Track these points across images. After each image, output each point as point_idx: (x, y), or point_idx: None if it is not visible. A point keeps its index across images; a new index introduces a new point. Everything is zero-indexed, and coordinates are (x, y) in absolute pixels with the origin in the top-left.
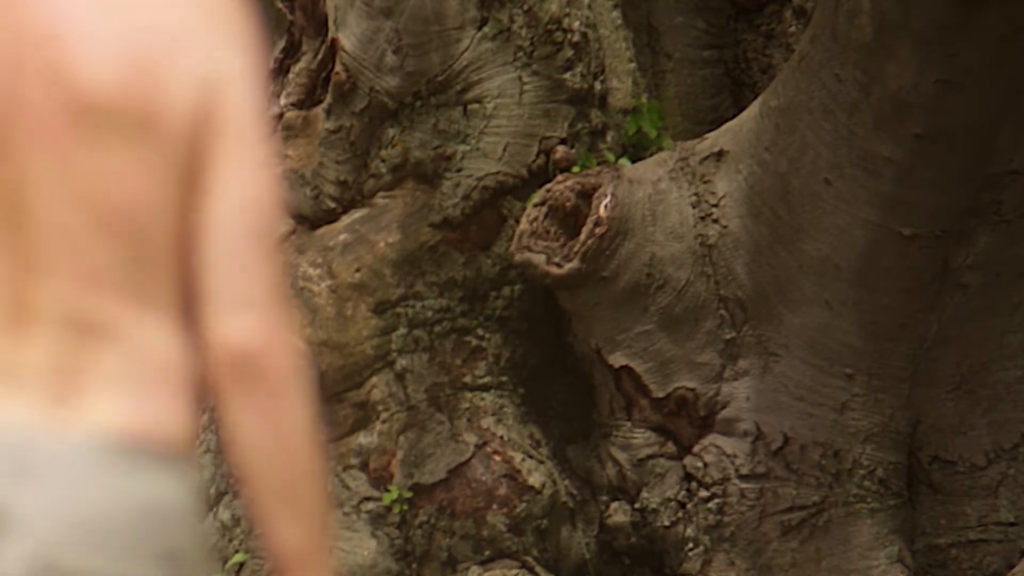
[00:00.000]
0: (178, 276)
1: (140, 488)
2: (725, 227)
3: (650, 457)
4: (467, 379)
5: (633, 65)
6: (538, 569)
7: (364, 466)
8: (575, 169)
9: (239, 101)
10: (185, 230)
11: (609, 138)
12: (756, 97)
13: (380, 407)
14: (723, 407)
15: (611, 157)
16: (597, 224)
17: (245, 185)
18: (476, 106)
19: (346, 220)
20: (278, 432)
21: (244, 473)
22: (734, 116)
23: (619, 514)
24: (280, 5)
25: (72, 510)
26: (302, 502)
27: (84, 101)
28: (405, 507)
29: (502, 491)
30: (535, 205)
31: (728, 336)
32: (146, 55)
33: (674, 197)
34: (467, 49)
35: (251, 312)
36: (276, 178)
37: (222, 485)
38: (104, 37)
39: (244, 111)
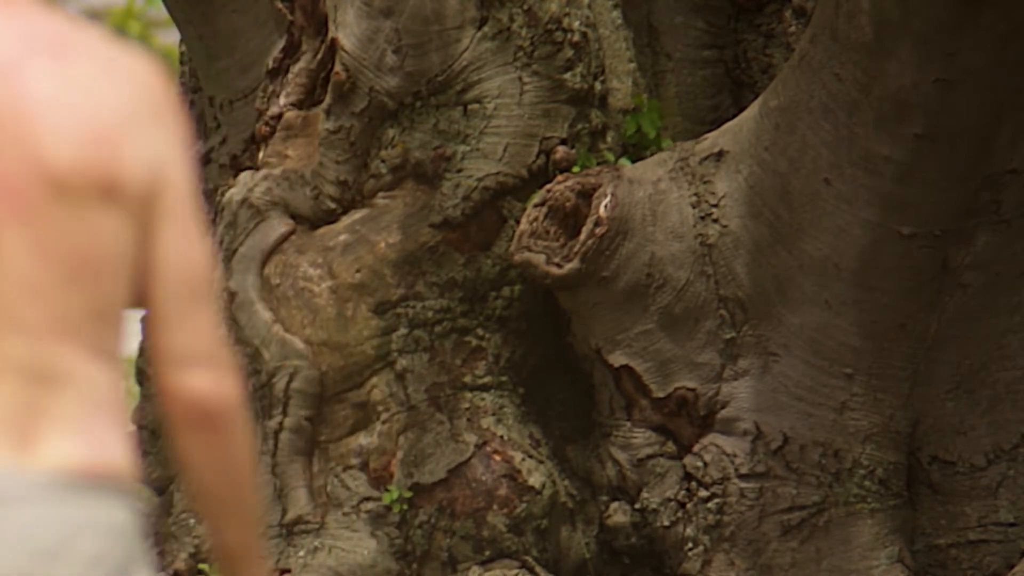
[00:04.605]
0: (123, 324)
1: (94, 516)
2: (725, 227)
3: (650, 457)
4: (467, 379)
5: (633, 65)
6: (538, 569)
7: (364, 466)
8: (575, 169)
9: (178, 179)
10: (137, 286)
11: (609, 138)
12: (756, 97)
13: (380, 407)
14: (723, 407)
15: (611, 157)
16: (597, 224)
17: (184, 252)
18: (476, 106)
19: (346, 220)
20: (225, 463)
21: (197, 493)
22: (734, 116)
23: (619, 514)
24: (280, 5)
25: (35, 539)
26: (242, 511)
27: (52, 170)
28: (405, 507)
29: (502, 491)
30: (535, 205)
31: (728, 336)
32: (104, 131)
33: (674, 197)
34: (467, 49)
35: (198, 367)
36: (209, 246)
37: None
38: (67, 114)
39: (182, 188)
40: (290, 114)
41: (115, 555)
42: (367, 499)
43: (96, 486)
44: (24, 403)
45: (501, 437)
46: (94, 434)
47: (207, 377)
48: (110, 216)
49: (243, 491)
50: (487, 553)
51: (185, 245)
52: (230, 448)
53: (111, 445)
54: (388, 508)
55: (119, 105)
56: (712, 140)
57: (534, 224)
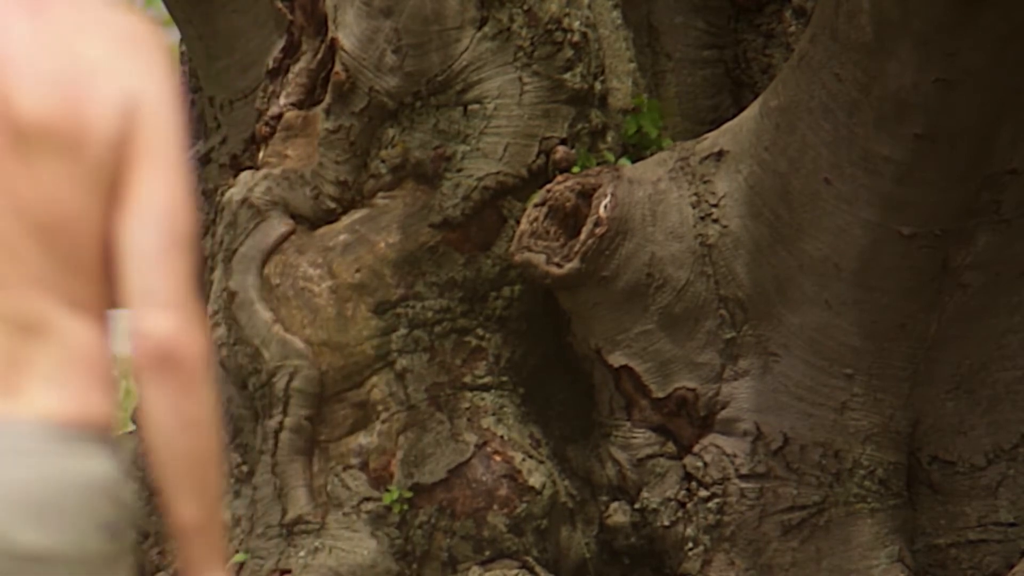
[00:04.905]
0: (103, 278)
1: (77, 467)
2: (725, 227)
3: (650, 457)
4: (467, 379)
5: (633, 65)
6: (538, 569)
7: (364, 466)
8: (575, 169)
9: (157, 123)
10: (109, 237)
11: (609, 138)
12: (756, 97)
13: (380, 407)
14: (723, 407)
15: (611, 157)
16: (597, 224)
17: (161, 197)
18: (476, 106)
19: (346, 220)
20: (186, 417)
21: (154, 449)
22: (734, 116)
23: (619, 514)
24: (280, 5)
25: (19, 489)
26: (201, 480)
27: (20, 122)
28: (405, 507)
29: (502, 491)
30: (535, 205)
31: (728, 336)
32: (74, 82)
33: (674, 197)
34: (467, 49)
35: (167, 311)
36: (189, 191)
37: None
38: (37, 65)
39: (161, 132)
40: (290, 114)
41: (102, 511)
42: (367, 499)
43: (81, 438)
44: (6, 354)
45: (501, 437)
46: (76, 386)
47: (173, 320)
48: (78, 170)
49: (202, 456)
50: (487, 553)
51: (161, 186)
52: (190, 401)
53: (94, 397)
54: (388, 508)
55: (94, 53)
56: (712, 140)
57: (534, 224)
